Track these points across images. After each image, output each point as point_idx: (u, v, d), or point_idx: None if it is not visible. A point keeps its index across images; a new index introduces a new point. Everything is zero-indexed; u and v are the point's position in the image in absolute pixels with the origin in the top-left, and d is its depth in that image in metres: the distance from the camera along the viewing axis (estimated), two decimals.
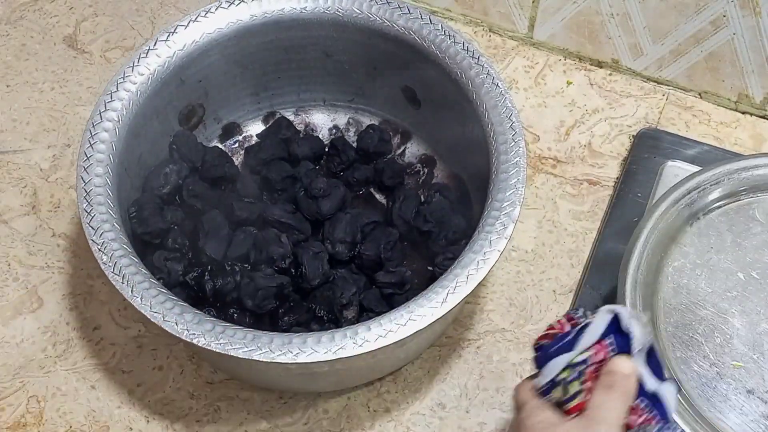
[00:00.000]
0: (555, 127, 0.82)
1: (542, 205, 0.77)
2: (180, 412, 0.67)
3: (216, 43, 0.70)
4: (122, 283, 0.58)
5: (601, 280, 0.71)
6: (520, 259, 0.74)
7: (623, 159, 0.79)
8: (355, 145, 0.77)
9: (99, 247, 0.59)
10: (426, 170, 0.77)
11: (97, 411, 0.67)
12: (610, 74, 0.85)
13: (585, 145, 0.80)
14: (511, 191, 0.61)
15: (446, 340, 0.69)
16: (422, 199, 0.73)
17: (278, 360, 0.55)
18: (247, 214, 0.70)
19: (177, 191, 0.71)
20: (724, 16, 0.76)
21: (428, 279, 0.68)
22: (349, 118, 0.79)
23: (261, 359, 0.55)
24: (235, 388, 0.68)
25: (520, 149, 0.63)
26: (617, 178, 0.78)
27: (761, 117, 0.82)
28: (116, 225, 0.61)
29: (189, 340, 0.55)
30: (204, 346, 0.55)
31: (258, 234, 0.68)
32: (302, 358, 0.55)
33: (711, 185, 0.68)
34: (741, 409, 0.61)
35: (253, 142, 0.78)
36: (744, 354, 0.63)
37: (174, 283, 0.65)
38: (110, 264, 0.59)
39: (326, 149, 0.77)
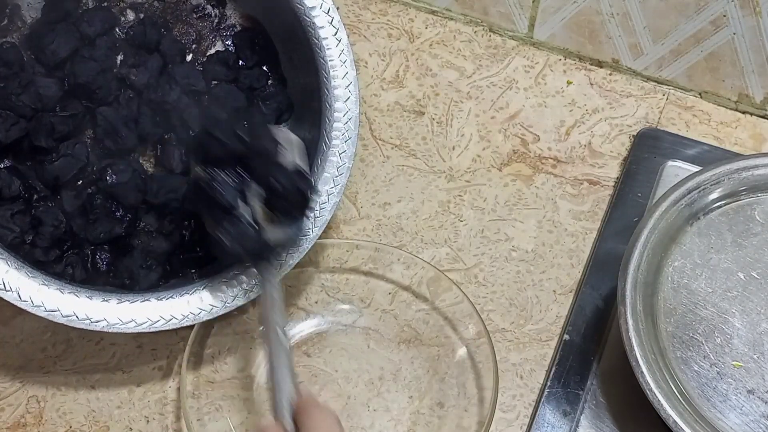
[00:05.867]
0: (555, 127, 0.82)
1: (542, 205, 0.77)
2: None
3: None
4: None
5: (601, 280, 0.71)
6: (520, 259, 0.74)
7: (623, 159, 0.79)
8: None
9: None
10: (217, 11, 0.72)
11: (97, 411, 0.67)
12: (610, 74, 0.85)
13: (585, 145, 0.80)
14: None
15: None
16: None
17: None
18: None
19: None
20: (725, 15, 0.76)
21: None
22: None
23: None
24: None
25: None
26: (617, 178, 0.78)
27: (761, 117, 0.82)
28: None
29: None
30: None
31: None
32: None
33: (711, 185, 0.68)
34: (741, 409, 0.61)
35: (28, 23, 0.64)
36: (744, 354, 0.63)
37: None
38: None
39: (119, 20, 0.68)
